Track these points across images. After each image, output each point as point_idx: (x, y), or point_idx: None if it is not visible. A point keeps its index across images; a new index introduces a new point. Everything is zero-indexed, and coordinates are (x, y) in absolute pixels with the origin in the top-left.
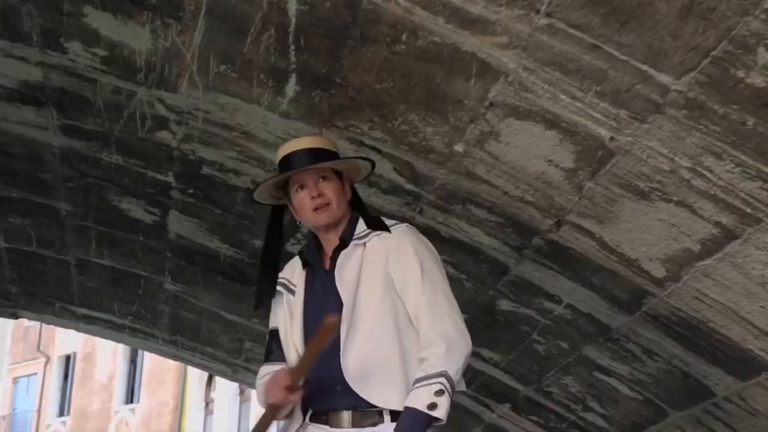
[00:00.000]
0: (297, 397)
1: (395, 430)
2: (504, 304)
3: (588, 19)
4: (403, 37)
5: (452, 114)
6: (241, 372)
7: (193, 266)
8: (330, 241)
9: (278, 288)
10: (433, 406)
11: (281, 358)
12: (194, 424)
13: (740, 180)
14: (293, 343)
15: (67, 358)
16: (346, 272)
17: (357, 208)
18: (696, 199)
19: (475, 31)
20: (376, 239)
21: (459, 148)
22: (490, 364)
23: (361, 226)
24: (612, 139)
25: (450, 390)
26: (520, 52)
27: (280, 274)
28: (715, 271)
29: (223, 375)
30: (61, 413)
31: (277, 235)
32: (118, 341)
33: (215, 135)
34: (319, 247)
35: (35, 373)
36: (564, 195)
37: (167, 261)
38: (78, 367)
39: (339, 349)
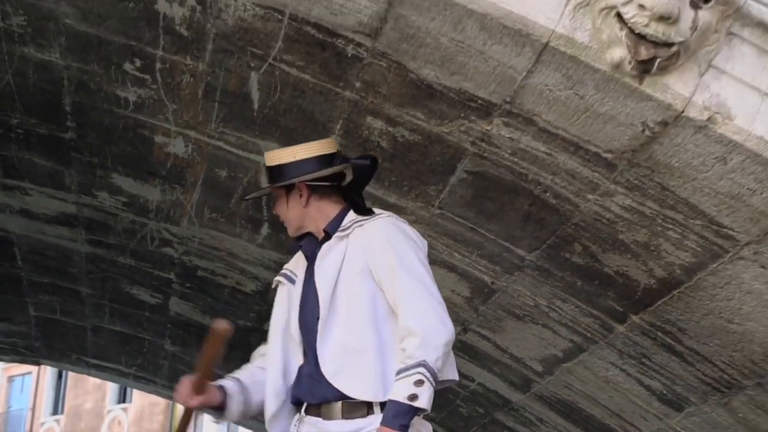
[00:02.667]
0: (199, 401)
1: (381, 422)
2: None
3: (466, 213)
4: None
5: None
6: None
7: (189, 335)
8: (319, 234)
9: (279, 278)
10: (413, 397)
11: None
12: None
13: (580, 316)
14: (292, 333)
15: None
16: (325, 265)
17: (351, 196)
18: (554, 325)
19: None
20: (358, 230)
21: None
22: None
23: (349, 216)
24: (492, 283)
25: (431, 379)
26: (424, 227)
27: (285, 266)
28: (575, 370)
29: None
30: (55, 412)
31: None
32: (124, 384)
33: (207, 252)
34: (317, 240)
35: (30, 372)
36: (466, 312)
37: (168, 330)
38: None
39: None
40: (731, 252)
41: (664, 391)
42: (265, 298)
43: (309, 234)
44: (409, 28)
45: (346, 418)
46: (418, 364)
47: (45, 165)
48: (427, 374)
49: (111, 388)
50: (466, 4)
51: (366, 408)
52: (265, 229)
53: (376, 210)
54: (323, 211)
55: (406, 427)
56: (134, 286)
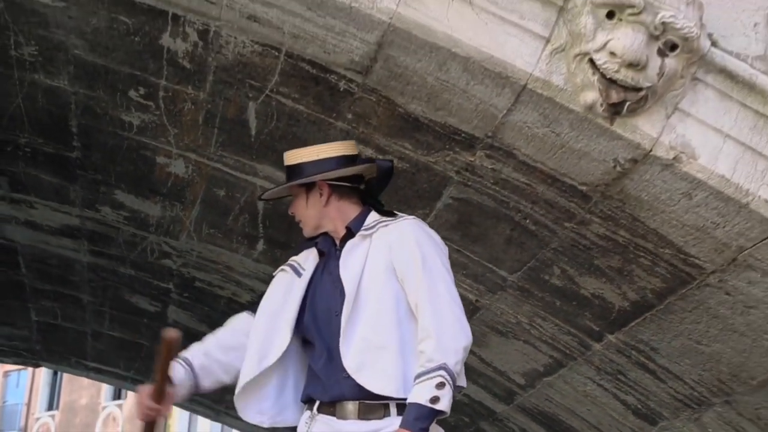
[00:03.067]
0: (158, 410)
1: (400, 425)
2: None
3: (452, 236)
4: None
5: None
6: (223, 416)
7: (187, 341)
8: (337, 234)
9: (285, 267)
10: (435, 399)
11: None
12: (180, 420)
13: (559, 334)
14: (284, 320)
15: None
16: (350, 262)
17: (370, 199)
18: (535, 341)
19: None
20: (382, 229)
21: None
22: None
23: (372, 216)
24: (477, 301)
25: (451, 382)
26: None
27: (292, 257)
28: (555, 384)
29: (207, 416)
30: (50, 407)
31: None
32: (121, 387)
33: (205, 265)
34: (333, 240)
35: (25, 368)
36: None
37: None
38: None
39: (339, 337)
40: (698, 279)
41: (639, 406)
42: None
43: (323, 234)
44: (397, 68)
45: (363, 419)
46: (439, 367)
47: (51, 181)
48: (448, 377)
49: (106, 384)
50: (450, 48)
51: (383, 409)
52: (260, 245)
53: (398, 212)
54: (343, 210)
55: (426, 430)
56: (134, 294)
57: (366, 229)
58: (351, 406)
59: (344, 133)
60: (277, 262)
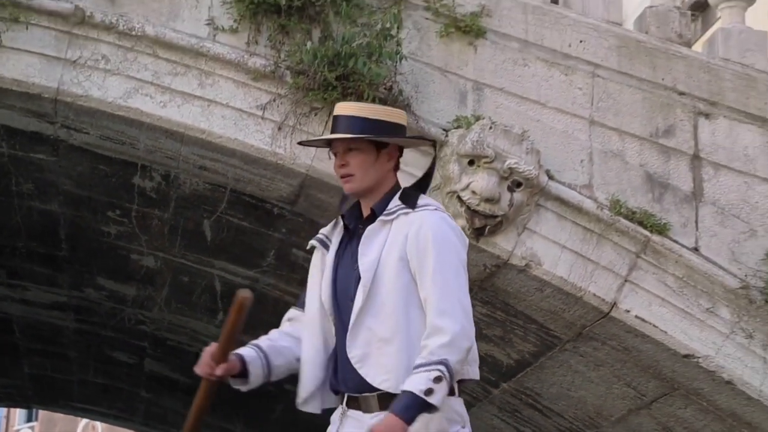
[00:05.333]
0: (222, 369)
1: (389, 409)
2: None
3: None
4: None
5: None
6: None
7: (162, 386)
8: (366, 208)
9: (314, 242)
10: (429, 391)
11: (302, 306)
12: None
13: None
14: (321, 299)
15: None
16: (369, 249)
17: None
18: None
19: None
20: (403, 218)
21: None
22: None
23: (395, 201)
24: None
25: (449, 379)
26: None
27: (321, 230)
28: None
29: None
30: (30, 419)
31: None
32: (105, 422)
33: (175, 329)
34: (360, 212)
35: None
36: None
37: (143, 382)
38: None
39: (349, 324)
40: (559, 345)
41: None
42: None
43: (351, 206)
44: (315, 200)
45: (385, 410)
46: (440, 362)
47: (42, 271)
48: (446, 373)
49: None
50: None
51: None
52: (220, 315)
53: (421, 200)
54: (391, 181)
55: (412, 420)
56: (114, 351)
57: (387, 214)
58: (372, 400)
59: (281, 241)
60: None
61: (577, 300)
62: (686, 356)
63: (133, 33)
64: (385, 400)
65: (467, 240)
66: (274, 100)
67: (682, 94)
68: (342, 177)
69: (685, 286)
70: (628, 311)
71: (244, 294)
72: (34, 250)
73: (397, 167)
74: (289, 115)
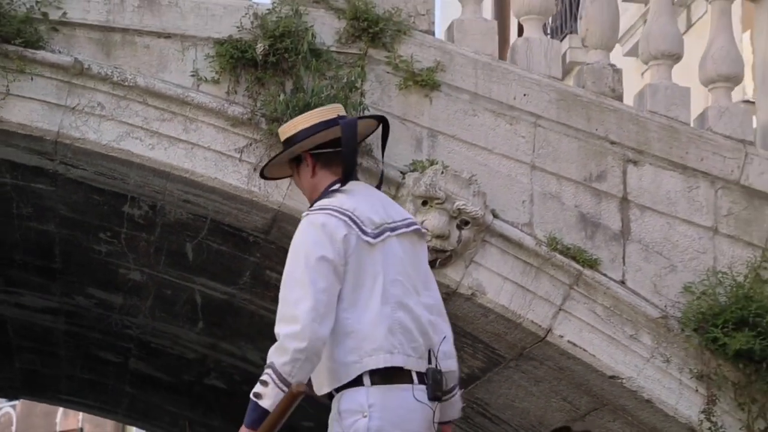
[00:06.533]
0: None
1: None
2: None
3: None
4: None
5: None
6: None
7: (144, 383)
8: None
9: None
10: (258, 395)
11: None
12: None
13: None
14: None
15: None
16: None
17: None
18: None
19: None
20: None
21: None
22: None
23: (322, 198)
24: None
25: (276, 380)
26: None
27: None
28: None
29: None
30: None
31: None
32: (89, 413)
33: (159, 333)
34: None
35: None
36: None
37: (127, 378)
38: None
39: None
40: (503, 363)
41: None
42: (203, 364)
43: None
44: (287, 231)
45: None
46: (268, 366)
47: (37, 280)
48: (273, 375)
49: None
50: None
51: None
52: (200, 324)
53: (320, 201)
54: (323, 185)
55: (253, 423)
56: (101, 350)
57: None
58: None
59: (256, 263)
60: (214, 336)
61: (517, 326)
62: (612, 377)
63: (126, 83)
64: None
65: (343, 231)
66: (251, 145)
67: (613, 143)
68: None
69: (612, 315)
70: (562, 336)
71: (300, 388)
72: (30, 262)
73: (328, 166)
74: (264, 158)
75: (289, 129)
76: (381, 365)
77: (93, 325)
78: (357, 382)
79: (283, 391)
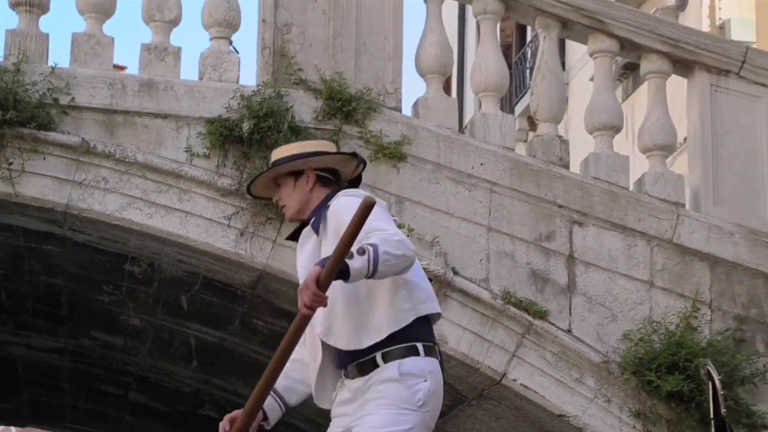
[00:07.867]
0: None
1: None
2: None
3: None
4: None
5: None
6: None
7: (143, 412)
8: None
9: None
10: (350, 255)
11: None
12: None
13: None
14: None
15: None
16: (302, 252)
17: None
18: None
19: None
20: (327, 216)
21: None
22: None
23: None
24: None
25: (371, 256)
26: None
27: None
28: None
29: None
30: None
31: None
32: None
33: (156, 370)
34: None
35: None
36: None
37: (128, 408)
38: None
39: None
40: (466, 401)
41: None
42: (198, 396)
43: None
44: (272, 287)
45: (362, 375)
46: (371, 244)
47: (44, 324)
48: (371, 251)
49: None
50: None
51: (371, 364)
52: (194, 363)
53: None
54: (318, 198)
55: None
56: (103, 384)
57: (317, 219)
58: (351, 369)
59: (244, 313)
60: (207, 373)
61: (476, 371)
62: (560, 416)
63: (127, 160)
64: (358, 367)
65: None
66: (238, 212)
67: (560, 206)
68: (281, 209)
69: (560, 360)
70: (515, 380)
71: (370, 200)
72: (39, 309)
73: (327, 183)
74: (249, 224)
75: (295, 149)
76: (430, 311)
77: (96, 362)
78: (413, 351)
79: (370, 267)
